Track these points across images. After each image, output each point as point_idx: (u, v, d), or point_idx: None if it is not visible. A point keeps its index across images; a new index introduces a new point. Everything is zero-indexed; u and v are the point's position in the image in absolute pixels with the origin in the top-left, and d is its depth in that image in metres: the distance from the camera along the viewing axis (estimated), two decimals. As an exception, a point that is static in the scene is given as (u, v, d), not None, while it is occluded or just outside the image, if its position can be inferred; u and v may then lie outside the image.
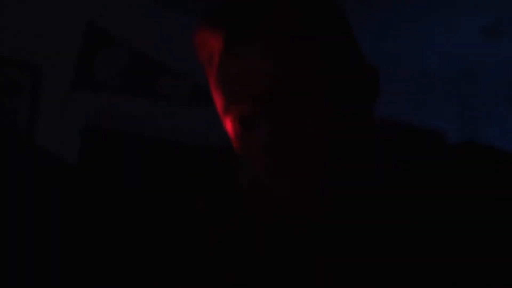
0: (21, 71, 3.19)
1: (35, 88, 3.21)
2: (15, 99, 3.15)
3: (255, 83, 0.81)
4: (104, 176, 3.31)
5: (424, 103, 4.41)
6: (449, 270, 0.81)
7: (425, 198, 0.85)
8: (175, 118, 3.67)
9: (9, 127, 3.13)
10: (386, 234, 0.84)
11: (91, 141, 3.42)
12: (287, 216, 0.91)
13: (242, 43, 0.83)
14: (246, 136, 0.86)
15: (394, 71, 4.18)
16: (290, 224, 0.91)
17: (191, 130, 3.75)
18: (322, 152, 0.82)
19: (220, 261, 0.94)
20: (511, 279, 0.80)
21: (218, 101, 0.88)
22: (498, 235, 0.81)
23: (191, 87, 3.70)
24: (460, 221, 0.82)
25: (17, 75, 3.18)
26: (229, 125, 0.89)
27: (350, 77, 0.87)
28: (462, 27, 4.02)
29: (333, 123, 0.83)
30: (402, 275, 0.82)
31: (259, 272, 0.90)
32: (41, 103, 3.22)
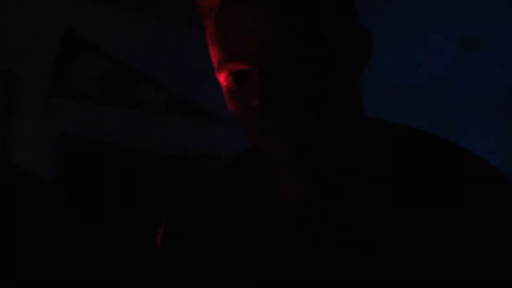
0: (-3, 79, 3.19)
1: (12, 96, 3.20)
2: (-9, 107, 3.14)
3: (249, 40, 0.83)
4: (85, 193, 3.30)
5: (400, 115, 4.44)
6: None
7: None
8: (152, 128, 3.67)
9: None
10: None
11: (68, 150, 3.41)
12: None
13: (240, 1, 0.84)
14: (238, 91, 0.88)
15: (370, 83, 4.21)
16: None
17: (168, 140, 3.75)
18: (310, 110, 0.85)
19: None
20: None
21: (214, 56, 0.90)
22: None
23: (169, 97, 3.70)
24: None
25: (-7, 83, 3.17)
26: (222, 80, 0.90)
27: (344, 36, 0.89)
28: (437, 40, 4.06)
29: (324, 83, 0.85)
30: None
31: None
32: (17, 112, 3.21)
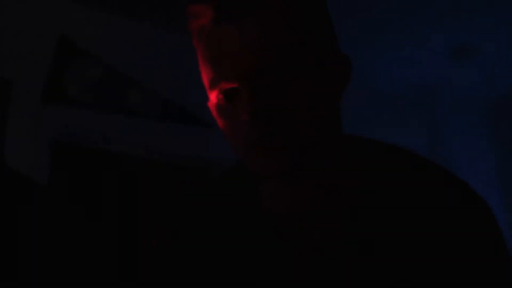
0: (-9, 85, 3.19)
1: (6, 103, 3.20)
2: (-15, 113, 3.15)
3: (241, 59, 0.90)
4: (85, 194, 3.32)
5: (391, 122, 4.46)
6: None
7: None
8: (145, 134, 3.68)
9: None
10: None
11: (61, 156, 3.41)
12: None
13: (231, 20, 0.90)
14: (229, 108, 0.94)
15: (360, 90, 4.23)
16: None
17: (161, 146, 3.76)
18: (297, 126, 0.92)
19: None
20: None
21: (205, 75, 0.97)
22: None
23: (161, 103, 3.71)
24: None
25: (-12, 89, 3.18)
26: (213, 97, 0.96)
27: (327, 63, 0.97)
28: (429, 47, 4.09)
29: (307, 103, 0.93)
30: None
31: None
32: (11, 118, 3.21)
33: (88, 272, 3.32)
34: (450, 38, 4.00)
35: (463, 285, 0.95)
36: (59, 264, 3.21)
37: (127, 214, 3.62)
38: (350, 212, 0.99)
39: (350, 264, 0.97)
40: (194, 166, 3.91)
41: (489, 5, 3.63)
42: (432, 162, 1.05)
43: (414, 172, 1.02)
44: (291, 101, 0.92)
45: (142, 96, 3.66)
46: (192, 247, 1.05)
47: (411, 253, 0.95)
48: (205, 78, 0.98)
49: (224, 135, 1.00)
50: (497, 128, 4.90)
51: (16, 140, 3.20)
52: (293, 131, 0.93)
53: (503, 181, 4.45)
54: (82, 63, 3.50)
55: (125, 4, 3.61)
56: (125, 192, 3.65)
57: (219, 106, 0.97)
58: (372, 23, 3.71)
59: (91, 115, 3.49)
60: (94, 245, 3.41)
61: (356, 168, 1.01)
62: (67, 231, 3.35)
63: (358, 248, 0.97)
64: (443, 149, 4.55)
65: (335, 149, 1.01)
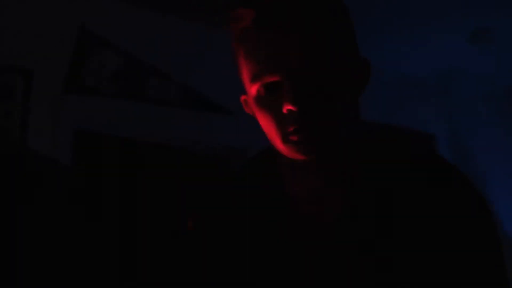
0: (13, 75, 3.23)
1: (27, 93, 3.24)
2: (8, 103, 3.18)
3: (283, 58, 1.07)
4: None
5: (409, 106, 4.46)
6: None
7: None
8: (166, 122, 3.70)
9: (1, 131, 3.16)
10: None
11: (83, 145, 3.45)
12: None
13: (272, 25, 1.08)
14: (269, 100, 1.10)
15: (379, 75, 4.24)
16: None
17: (181, 134, 3.78)
18: (326, 117, 1.09)
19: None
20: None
21: (246, 71, 1.13)
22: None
23: (181, 91, 3.73)
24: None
25: (10, 79, 3.21)
26: (254, 90, 1.12)
27: (351, 64, 1.14)
28: (447, 31, 4.08)
29: (334, 96, 1.10)
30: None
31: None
32: (33, 108, 3.25)
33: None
34: (469, 22, 3.99)
35: (459, 285, 1.05)
36: (67, 257, 3.24)
37: (143, 199, 3.65)
38: (350, 210, 1.12)
39: (350, 261, 1.09)
40: (215, 153, 3.94)
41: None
42: (438, 157, 1.16)
43: (418, 170, 1.13)
44: (322, 96, 1.08)
45: (161, 84, 3.68)
46: (223, 225, 1.20)
47: (409, 252, 1.07)
48: (246, 74, 1.13)
49: (262, 125, 1.15)
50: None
51: (38, 131, 3.23)
52: (324, 121, 1.08)
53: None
54: (102, 52, 3.53)
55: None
56: (145, 179, 3.68)
57: (259, 98, 1.12)
58: (392, 7, 3.71)
59: (112, 104, 3.52)
60: (109, 225, 3.45)
61: (365, 161, 1.15)
62: (83, 212, 3.39)
63: (358, 245, 1.09)
64: (461, 133, 4.54)
65: (354, 139, 1.16)
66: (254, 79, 1.12)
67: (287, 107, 1.07)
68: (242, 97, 1.22)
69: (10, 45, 3.26)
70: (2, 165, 2.64)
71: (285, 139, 1.10)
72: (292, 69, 1.07)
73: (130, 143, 3.67)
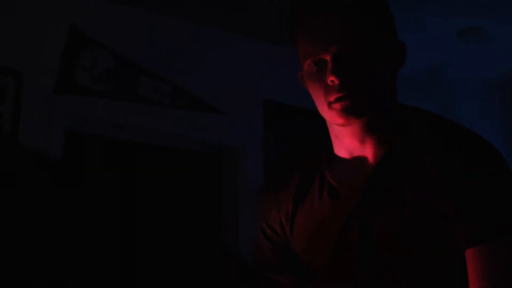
0: (4, 77, 3.23)
1: (19, 93, 3.24)
2: (-1, 104, 3.19)
3: (330, 40, 1.30)
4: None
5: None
6: None
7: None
8: (157, 121, 3.71)
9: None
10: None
11: (74, 144, 3.45)
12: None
13: (321, 13, 1.31)
14: (318, 74, 1.33)
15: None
16: None
17: (171, 133, 3.79)
18: (366, 91, 1.31)
19: None
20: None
21: (301, 49, 1.35)
22: None
23: (172, 90, 3.74)
24: None
25: (0, 81, 3.21)
26: (306, 65, 1.35)
27: (390, 47, 1.36)
28: (436, 29, 4.10)
29: (370, 73, 1.32)
30: None
31: None
32: (24, 108, 3.25)
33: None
34: (458, 20, 4.02)
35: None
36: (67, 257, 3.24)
37: (137, 199, 3.66)
38: (380, 166, 1.36)
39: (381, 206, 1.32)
40: (205, 152, 3.95)
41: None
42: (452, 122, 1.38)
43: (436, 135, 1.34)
44: (360, 71, 1.30)
45: (152, 83, 3.69)
46: (275, 197, 1.49)
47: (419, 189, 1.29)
48: (300, 53, 1.36)
49: (312, 95, 1.36)
50: (505, 107, 4.93)
51: (29, 130, 3.24)
52: (360, 93, 1.30)
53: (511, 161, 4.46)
54: (93, 52, 3.53)
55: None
56: (136, 178, 3.69)
57: (310, 72, 1.34)
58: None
59: (103, 104, 3.52)
60: (102, 232, 3.45)
61: (395, 129, 1.38)
62: (77, 215, 3.40)
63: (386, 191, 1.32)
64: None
65: (392, 112, 1.39)
66: (305, 57, 1.34)
67: (331, 79, 1.29)
68: (300, 73, 1.41)
69: (0, 46, 3.26)
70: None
71: (329, 106, 1.32)
72: (335, 49, 1.30)
73: (121, 142, 3.68)
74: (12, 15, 3.34)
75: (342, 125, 1.35)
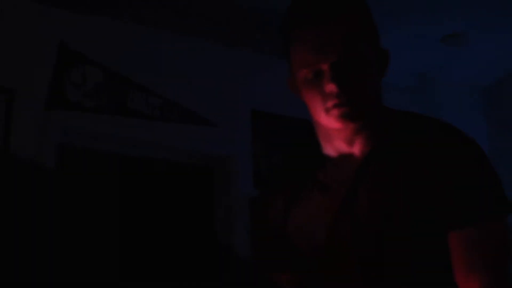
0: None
1: (10, 111, 3.25)
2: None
3: (327, 49, 1.36)
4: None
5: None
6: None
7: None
8: (147, 135, 3.72)
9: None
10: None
11: (66, 159, 3.45)
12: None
13: (320, 22, 1.37)
14: (315, 82, 1.38)
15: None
16: None
17: (163, 146, 3.81)
18: (360, 96, 1.38)
19: None
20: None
21: (297, 57, 1.40)
22: None
23: (162, 103, 3.76)
24: None
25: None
26: (303, 74, 1.39)
27: (377, 54, 1.44)
28: (422, 35, 4.14)
29: (364, 79, 1.39)
30: None
31: None
32: (16, 125, 3.26)
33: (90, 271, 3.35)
34: (440, 27, 4.06)
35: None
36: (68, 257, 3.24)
37: (129, 214, 3.67)
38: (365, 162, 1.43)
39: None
40: (196, 163, 3.97)
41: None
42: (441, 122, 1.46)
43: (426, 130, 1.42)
44: (355, 79, 1.37)
45: (142, 97, 3.70)
46: (276, 197, 1.55)
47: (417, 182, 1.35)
48: (296, 60, 1.41)
49: (308, 101, 1.42)
50: (491, 112, 4.96)
51: (21, 147, 3.25)
52: (358, 99, 1.38)
53: (497, 165, 4.51)
54: (83, 68, 3.55)
55: (123, 8, 3.65)
56: (129, 191, 3.70)
57: (307, 80, 1.39)
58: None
59: (94, 118, 3.54)
60: (95, 245, 3.47)
61: (388, 127, 1.45)
62: (69, 231, 3.41)
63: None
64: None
65: (379, 115, 1.46)
66: (302, 66, 1.39)
67: (329, 87, 1.35)
68: (289, 80, 1.47)
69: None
70: None
71: (327, 112, 1.38)
72: (334, 59, 1.36)
73: (112, 155, 3.69)
74: (2, 34, 3.36)
75: (338, 129, 1.42)
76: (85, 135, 3.56)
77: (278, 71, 2.00)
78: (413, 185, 1.33)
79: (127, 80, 3.67)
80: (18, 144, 3.25)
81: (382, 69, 1.46)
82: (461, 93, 4.89)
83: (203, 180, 3.96)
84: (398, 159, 1.38)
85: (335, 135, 1.45)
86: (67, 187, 3.43)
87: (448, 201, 1.31)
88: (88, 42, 3.60)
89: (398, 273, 1.33)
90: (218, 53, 4.05)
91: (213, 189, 3.96)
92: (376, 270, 1.34)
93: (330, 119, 1.39)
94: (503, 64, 4.61)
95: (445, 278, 1.32)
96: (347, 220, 1.38)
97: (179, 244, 3.74)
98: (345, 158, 1.45)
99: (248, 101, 4.09)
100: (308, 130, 1.54)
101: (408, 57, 4.33)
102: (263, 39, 3.97)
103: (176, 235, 3.76)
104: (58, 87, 3.45)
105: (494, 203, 1.31)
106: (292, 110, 3.85)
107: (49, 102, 3.40)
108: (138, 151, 3.76)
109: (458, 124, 1.47)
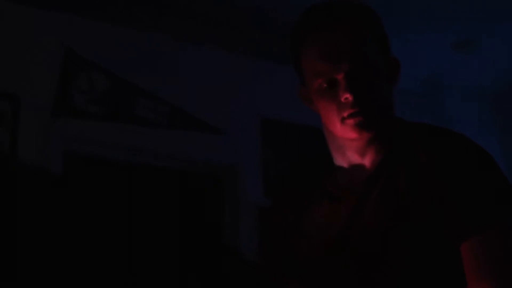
0: (1, 101, 3.24)
1: (16, 118, 3.25)
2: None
3: (340, 61, 1.37)
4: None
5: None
6: None
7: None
8: (154, 142, 3.71)
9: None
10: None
11: (73, 166, 3.45)
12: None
13: (328, 30, 1.39)
14: (329, 92, 1.39)
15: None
16: None
17: (171, 154, 3.79)
18: (374, 105, 1.39)
19: None
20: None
21: (310, 67, 1.40)
22: None
23: (170, 110, 3.75)
24: None
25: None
26: (317, 84, 1.39)
27: (385, 63, 1.44)
28: (432, 41, 4.13)
29: (377, 88, 1.40)
30: None
31: None
32: (22, 132, 3.26)
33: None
34: (453, 32, 4.05)
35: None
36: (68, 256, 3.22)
37: (136, 223, 3.66)
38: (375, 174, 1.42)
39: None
40: (205, 171, 3.95)
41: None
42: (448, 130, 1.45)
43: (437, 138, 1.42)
44: (369, 88, 1.38)
45: (149, 104, 3.69)
46: (285, 199, 1.57)
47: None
48: (309, 70, 1.41)
49: (321, 111, 1.42)
50: (501, 118, 4.95)
51: (28, 154, 3.24)
52: (373, 109, 1.38)
53: (508, 172, 4.48)
54: (89, 74, 3.54)
55: (129, 14, 3.65)
56: (136, 200, 3.69)
57: (321, 89, 1.39)
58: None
59: (101, 126, 3.53)
60: (101, 253, 3.45)
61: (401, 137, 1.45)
62: (75, 239, 3.40)
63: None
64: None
65: (391, 126, 1.46)
66: (316, 76, 1.39)
67: (345, 96, 1.36)
68: (301, 90, 1.47)
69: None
70: None
71: (342, 121, 1.38)
72: (347, 67, 1.36)
73: (119, 163, 3.68)
74: (8, 41, 3.36)
75: (353, 139, 1.42)
76: (92, 143, 3.54)
77: (288, 79, 1.98)
78: (422, 195, 1.33)
79: (134, 87, 3.66)
80: (24, 151, 3.24)
81: (394, 78, 1.47)
82: (471, 100, 4.87)
83: (212, 188, 3.94)
84: (409, 169, 1.37)
85: (348, 145, 1.45)
86: (73, 194, 3.42)
87: (458, 210, 1.30)
88: (94, 49, 3.58)
89: (404, 281, 1.33)
90: (228, 60, 4.03)
91: (221, 198, 3.94)
92: (383, 277, 1.34)
93: (346, 129, 1.40)
94: (513, 70, 4.59)
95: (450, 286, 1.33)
96: (357, 230, 1.38)
97: (188, 254, 3.72)
98: (355, 168, 1.45)
99: (258, 109, 4.07)
100: (317, 138, 1.53)
101: (418, 63, 4.32)
102: (274, 47, 3.96)
103: (185, 244, 3.74)
104: (65, 94, 3.44)
105: (505, 211, 1.30)
106: (301, 118, 3.83)
107: (55, 109, 3.39)
108: (145, 159, 3.74)
109: (468, 130, 1.47)
